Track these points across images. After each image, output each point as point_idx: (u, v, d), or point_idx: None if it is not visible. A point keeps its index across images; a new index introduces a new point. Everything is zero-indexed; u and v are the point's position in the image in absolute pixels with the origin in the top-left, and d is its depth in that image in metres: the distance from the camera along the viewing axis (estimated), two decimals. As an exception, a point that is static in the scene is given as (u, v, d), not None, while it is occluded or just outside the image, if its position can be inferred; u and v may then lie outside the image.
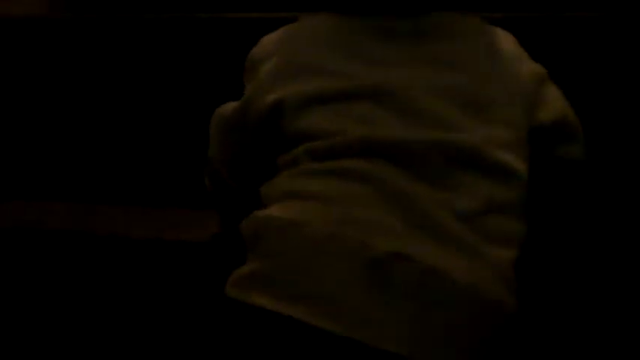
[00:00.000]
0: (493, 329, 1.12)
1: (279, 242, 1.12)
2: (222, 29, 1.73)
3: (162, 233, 1.55)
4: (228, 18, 1.73)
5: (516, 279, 1.16)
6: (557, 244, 1.40)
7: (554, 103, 1.27)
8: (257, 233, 1.15)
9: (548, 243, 1.38)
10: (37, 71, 1.86)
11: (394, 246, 1.09)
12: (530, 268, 1.22)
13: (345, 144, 1.16)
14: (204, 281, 1.43)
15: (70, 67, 1.83)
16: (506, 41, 1.27)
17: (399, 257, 1.08)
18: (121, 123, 1.81)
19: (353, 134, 1.16)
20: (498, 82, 1.21)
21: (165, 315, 1.50)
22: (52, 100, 1.85)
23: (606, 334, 1.37)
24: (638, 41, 1.54)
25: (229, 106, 1.32)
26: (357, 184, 1.13)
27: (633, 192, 1.54)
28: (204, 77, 1.75)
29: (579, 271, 1.40)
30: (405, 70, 1.19)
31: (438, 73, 1.19)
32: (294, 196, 1.15)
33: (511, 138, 1.18)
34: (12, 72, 1.88)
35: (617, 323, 1.37)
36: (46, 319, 1.58)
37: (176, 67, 1.78)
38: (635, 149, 1.55)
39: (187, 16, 1.78)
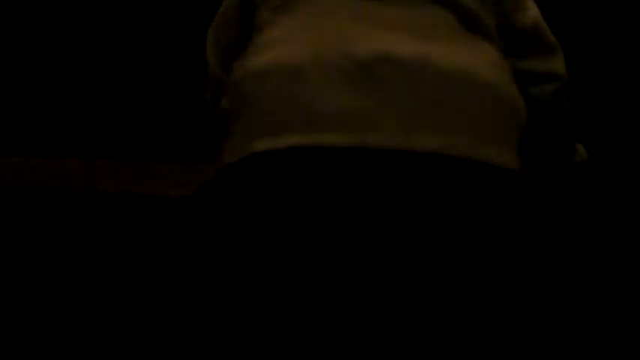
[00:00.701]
0: (492, 110, 1.10)
1: (260, 86, 1.11)
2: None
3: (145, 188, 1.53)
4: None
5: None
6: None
7: (534, 12, 1.31)
8: (235, 91, 1.14)
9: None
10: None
11: (378, 47, 1.08)
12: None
13: None
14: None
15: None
16: None
17: (383, 57, 1.08)
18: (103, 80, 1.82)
19: None
20: None
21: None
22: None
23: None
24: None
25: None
26: (324, 6, 1.14)
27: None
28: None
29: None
30: None
31: None
32: (263, 46, 1.15)
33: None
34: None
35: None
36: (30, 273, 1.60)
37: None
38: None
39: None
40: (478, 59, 1.13)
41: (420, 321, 1.00)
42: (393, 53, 1.08)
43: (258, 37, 1.19)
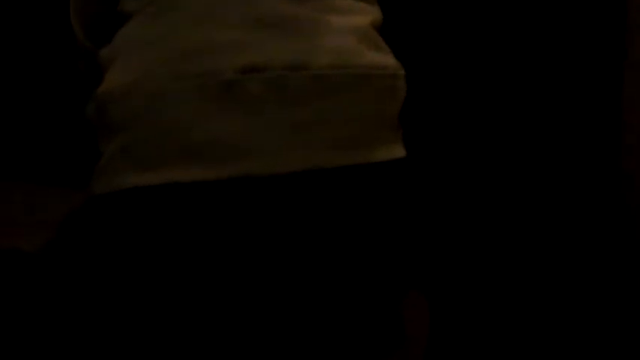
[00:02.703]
0: (379, 99, 1.09)
1: (124, 110, 1.05)
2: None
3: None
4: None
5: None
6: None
7: None
8: (100, 112, 1.08)
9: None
10: None
11: (241, 60, 1.04)
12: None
13: None
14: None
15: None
16: None
17: (249, 70, 1.03)
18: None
19: None
20: None
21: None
22: None
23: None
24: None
25: None
26: (196, 6, 1.07)
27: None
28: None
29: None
30: None
31: None
32: (123, 50, 1.09)
33: None
34: None
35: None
36: None
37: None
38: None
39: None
40: (348, 41, 1.08)
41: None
42: (259, 65, 1.04)
43: (122, 30, 1.12)
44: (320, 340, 1.04)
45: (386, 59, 1.12)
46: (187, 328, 1.01)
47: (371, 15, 1.14)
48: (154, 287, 1.01)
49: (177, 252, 1.01)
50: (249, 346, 1.02)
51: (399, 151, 1.10)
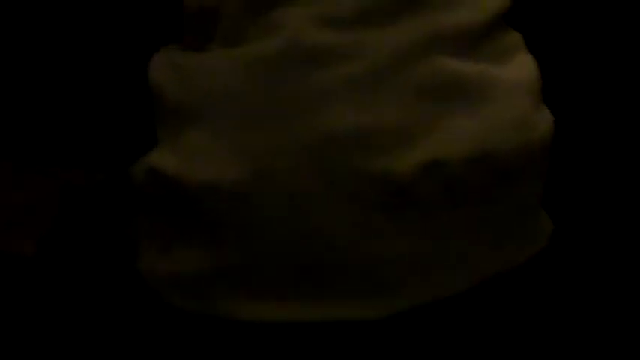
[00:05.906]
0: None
1: (237, 218, 0.74)
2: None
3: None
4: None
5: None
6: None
7: None
8: (185, 204, 0.77)
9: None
10: None
11: (413, 154, 0.74)
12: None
13: None
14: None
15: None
16: None
17: (425, 168, 0.73)
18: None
19: None
20: None
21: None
22: None
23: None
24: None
25: None
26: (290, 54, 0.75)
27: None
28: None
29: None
30: None
31: None
32: (206, 105, 0.77)
33: None
34: None
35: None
36: None
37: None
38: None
39: None
40: (525, 107, 0.81)
41: None
42: (437, 159, 0.74)
43: (200, 71, 0.80)
44: None
45: (549, 120, 0.84)
46: None
47: (531, 63, 0.85)
48: None
49: None
50: None
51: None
